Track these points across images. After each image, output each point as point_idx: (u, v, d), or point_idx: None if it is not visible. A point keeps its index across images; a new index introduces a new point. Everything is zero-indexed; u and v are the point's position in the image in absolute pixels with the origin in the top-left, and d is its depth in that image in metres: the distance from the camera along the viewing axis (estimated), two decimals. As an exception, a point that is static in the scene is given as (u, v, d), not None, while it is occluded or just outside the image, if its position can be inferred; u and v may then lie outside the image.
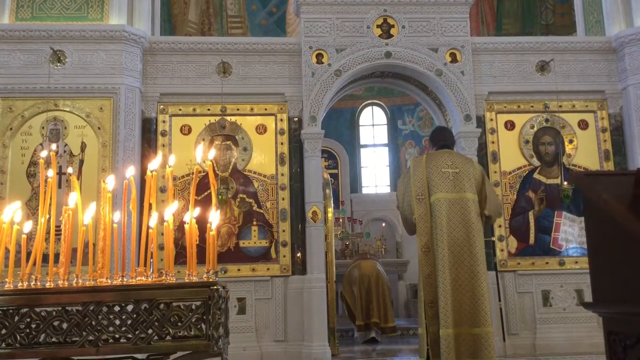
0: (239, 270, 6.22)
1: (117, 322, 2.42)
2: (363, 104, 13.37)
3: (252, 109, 6.57)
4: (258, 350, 6.03)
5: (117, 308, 2.43)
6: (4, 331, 2.42)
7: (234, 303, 6.05)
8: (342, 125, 13.06)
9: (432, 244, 4.33)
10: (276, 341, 6.12)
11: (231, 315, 4.96)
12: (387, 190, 12.98)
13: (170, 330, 2.40)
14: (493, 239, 6.34)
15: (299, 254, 6.28)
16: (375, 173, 13.40)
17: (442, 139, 4.75)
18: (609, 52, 6.80)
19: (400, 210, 4.63)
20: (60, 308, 2.43)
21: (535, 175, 6.63)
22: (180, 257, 5.29)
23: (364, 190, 13.20)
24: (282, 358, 6.05)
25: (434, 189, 4.41)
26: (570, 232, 6.47)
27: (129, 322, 2.41)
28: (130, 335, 2.40)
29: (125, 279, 2.50)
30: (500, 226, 6.45)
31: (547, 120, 6.73)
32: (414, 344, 7.27)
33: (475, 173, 4.51)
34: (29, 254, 2.68)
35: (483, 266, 4.32)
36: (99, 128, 6.13)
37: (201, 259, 2.56)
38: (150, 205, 2.60)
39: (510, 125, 6.72)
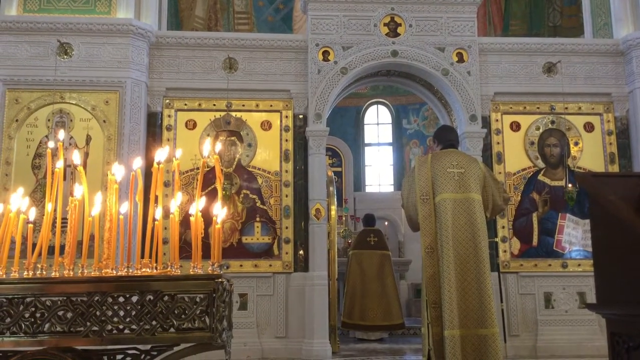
0: (241, 266, 6.23)
1: (122, 312, 2.43)
2: (368, 102, 13.37)
3: (257, 105, 6.57)
4: (259, 346, 6.04)
5: (121, 299, 2.44)
6: (8, 320, 2.44)
7: (235, 299, 6.06)
8: (346, 124, 13.05)
9: (436, 244, 4.31)
10: (277, 337, 6.13)
11: (233, 310, 4.97)
12: (391, 189, 12.99)
13: (175, 322, 2.41)
14: (496, 239, 6.33)
15: (301, 251, 6.28)
16: (379, 172, 13.41)
17: (448, 138, 4.74)
18: (616, 54, 6.78)
19: (405, 209, 4.63)
20: (65, 298, 2.44)
21: (540, 177, 6.61)
22: (183, 251, 5.31)
23: (368, 189, 13.21)
24: (283, 354, 6.06)
25: (439, 189, 4.38)
26: (573, 234, 6.46)
27: (134, 313, 2.42)
28: (134, 326, 2.41)
29: (130, 270, 2.51)
30: (503, 227, 6.44)
31: (552, 122, 6.71)
32: (415, 343, 7.27)
33: (480, 173, 4.49)
34: (34, 245, 2.68)
35: (488, 267, 4.30)
36: (104, 121, 6.14)
37: (204, 254, 2.57)
38: (156, 197, 2.60)
39: (515, 126, 6.71)
